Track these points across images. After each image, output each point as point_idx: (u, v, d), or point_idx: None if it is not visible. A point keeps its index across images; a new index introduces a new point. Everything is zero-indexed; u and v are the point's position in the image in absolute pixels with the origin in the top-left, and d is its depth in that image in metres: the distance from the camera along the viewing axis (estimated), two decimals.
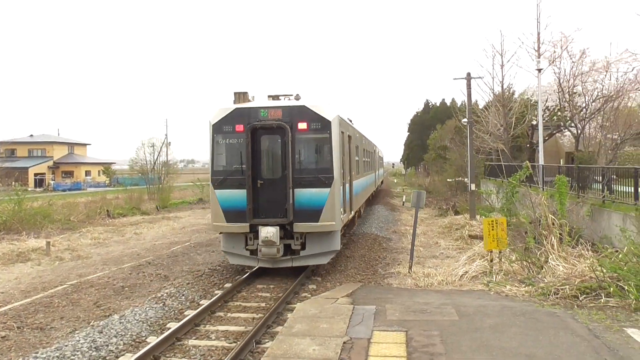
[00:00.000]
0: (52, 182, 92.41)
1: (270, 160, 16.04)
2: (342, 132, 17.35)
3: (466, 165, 37.88)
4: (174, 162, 63.41)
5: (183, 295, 14.09)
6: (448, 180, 51.88)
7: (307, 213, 15.56)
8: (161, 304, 13.17)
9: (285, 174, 15.65)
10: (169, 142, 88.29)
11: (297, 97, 17.46)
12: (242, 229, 15.80)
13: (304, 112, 15.81)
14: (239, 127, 16.00)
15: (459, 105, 67.20)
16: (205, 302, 13.45)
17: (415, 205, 17.12)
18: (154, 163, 55.74)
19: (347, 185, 18.59)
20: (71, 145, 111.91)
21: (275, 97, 17.64)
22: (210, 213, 16.41)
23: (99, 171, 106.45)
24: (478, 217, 27.72)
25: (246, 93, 18.55)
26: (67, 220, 32.49)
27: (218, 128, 16.16)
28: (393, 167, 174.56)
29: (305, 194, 15.60)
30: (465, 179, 42.26)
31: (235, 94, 18.65)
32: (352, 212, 20.53)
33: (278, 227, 15.55)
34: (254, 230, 15.81)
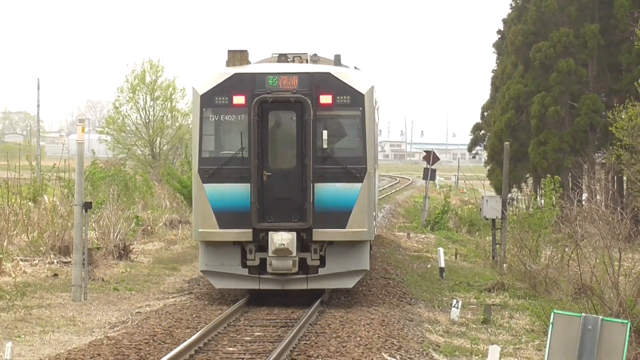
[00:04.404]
0: None
1: (282, 144, 13.48)
2: (375, 108, 14.56)
3: None
4: None
5: None
6: None
7: (331, 216, 12.79)
8: None
9: (303, 163, 12.83)
10: None
11: (315, 59, 14.13)
12: (243, 236, 12.75)
13: (328, 81, 13.03)
14: (239, 99, 12.88)
15: None
16: None
17: None
18: None
19: (374, 182, 15.06)
20: None
21: (284, 58, 14.10)
22: (193, 216, 13.28)
23: None
24: None
25: (245, 52, 13.78)
26: None
27: (208, 100, 12.96)
28: (429, 175, 32.72)
29: (329, 190, 12.85)
30: None
31: (229, 53, 13.68)
32: (376, 227, 17.64)
33: (295, 233, 12.61)
34: (258, 239, 12.77)
